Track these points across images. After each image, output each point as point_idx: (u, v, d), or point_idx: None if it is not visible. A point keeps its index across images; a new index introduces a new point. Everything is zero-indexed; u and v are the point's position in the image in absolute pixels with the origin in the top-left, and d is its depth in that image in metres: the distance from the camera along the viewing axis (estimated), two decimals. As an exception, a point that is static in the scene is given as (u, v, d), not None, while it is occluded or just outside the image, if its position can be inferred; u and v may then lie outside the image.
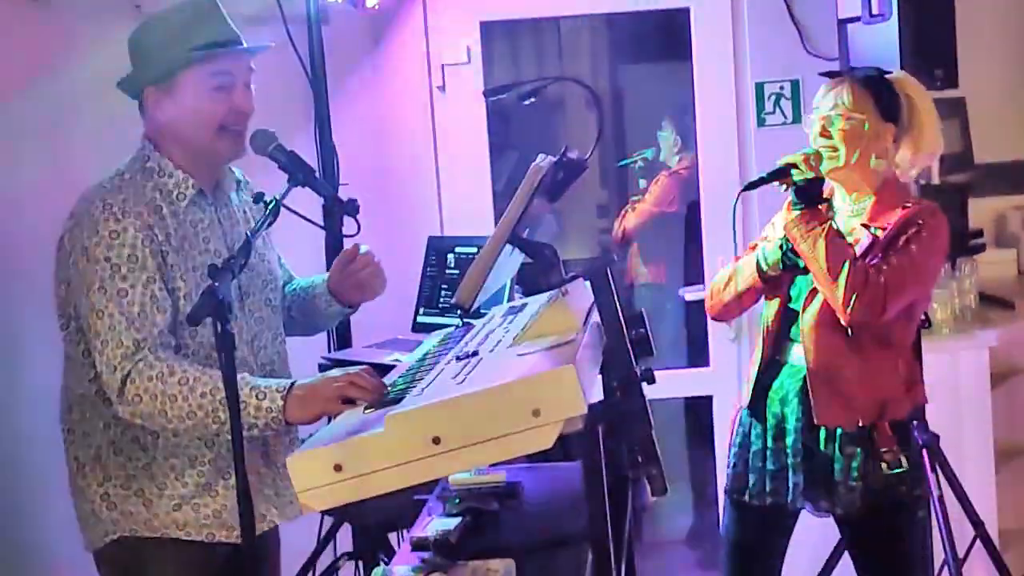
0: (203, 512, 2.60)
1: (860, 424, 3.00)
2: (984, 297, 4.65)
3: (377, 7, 4.10)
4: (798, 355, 3.08)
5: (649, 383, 2.12)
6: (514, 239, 2.11)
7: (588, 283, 2.10)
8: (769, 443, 3.13)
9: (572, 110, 5.88)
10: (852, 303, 2.90)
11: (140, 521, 2.58)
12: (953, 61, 3.83)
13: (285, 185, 2.45)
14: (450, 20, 4.42)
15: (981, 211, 4.90)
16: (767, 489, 3.12)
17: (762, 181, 3.06)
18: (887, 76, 3.09)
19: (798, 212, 2.98)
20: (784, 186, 3.02)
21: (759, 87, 4.39)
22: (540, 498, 2.71)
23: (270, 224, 2.38)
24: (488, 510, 2.60)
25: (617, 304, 2.11)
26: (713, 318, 3.39)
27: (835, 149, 3.02)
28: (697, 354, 4.92)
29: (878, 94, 3.04)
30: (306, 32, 4.00)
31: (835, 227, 2.98)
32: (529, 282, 2.93)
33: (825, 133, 3.04)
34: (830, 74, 3.16)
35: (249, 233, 2.32)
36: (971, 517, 3.77)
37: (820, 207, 3.00)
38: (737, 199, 3.12)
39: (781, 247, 3.05)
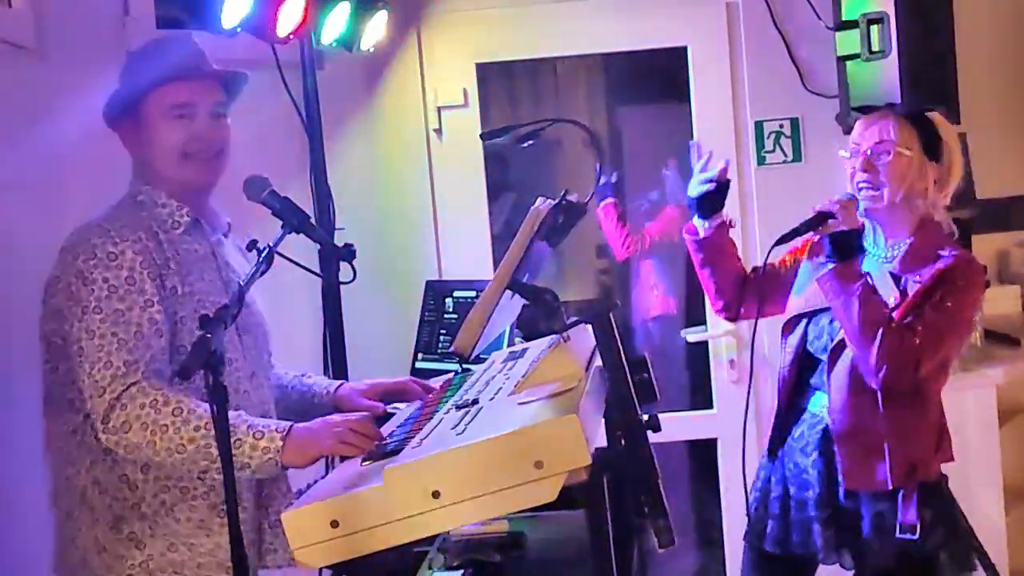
0: (198, 551, 2.51)
1: (890, 488, 2.90)
2: (989, 334, 4.60)
3: (372, 50, 4.08)
4: (820, 404, 3.01)
5: (655, 431, 2.07)
6: (514, 284, 2.06)
7: (591, 329, 2.05)
8: (792, 491, 3.06)
9: (569, 151, 5.86)
10: (884, 369, 2.79)
11: (135, 565, 2.48)
12: (954, 97, 3.81)
13: (279, 232, 2.41)
14: (446, 62, 4.40)
15: (983, 247, 4.85)
16: (789, 539, 3.05)
17: (796, 233, 2.92)
18: (927, 113, 2.98)
19: (831, 265, 2.87)
20: (818, 236, 2.92)
21: (759, 125, 4.36)
22: (543, 548, 2.67)
23: (263, 272, 2.33)
24: (491, 562, 2.55)
25: (620, 349, 2.06)
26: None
27: (877, 188, 2.90)
28: (700, 397, 4.86)
29: (923, 130, 2.92)
30: (301, 77, 3.97)
31: (870, 284, 2.85)
32: (529, 326, 2.88)
33: (869, 167, 2.90)
34: (868, 108, 3.06)
35: (242, 282, 2.27)
36: (981, 559, 3.71)
37: (854, 260, 2.89)
38: (768, 255, 2.97)
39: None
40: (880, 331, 2.78)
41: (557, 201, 2.15)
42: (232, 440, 2.16)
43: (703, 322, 4.55)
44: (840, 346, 2.93)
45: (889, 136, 2.90)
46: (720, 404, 4.51)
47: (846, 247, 2.88)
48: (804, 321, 3.06)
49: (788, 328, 3.11)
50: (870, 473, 2.90)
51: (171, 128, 2.54)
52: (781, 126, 4.35)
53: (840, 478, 2.95)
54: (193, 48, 2.63)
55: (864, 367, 2.83)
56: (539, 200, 2.18)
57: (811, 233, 2.93)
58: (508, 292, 2.15)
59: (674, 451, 5.28)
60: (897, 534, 2.89)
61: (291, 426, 2.36)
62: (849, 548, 2.98)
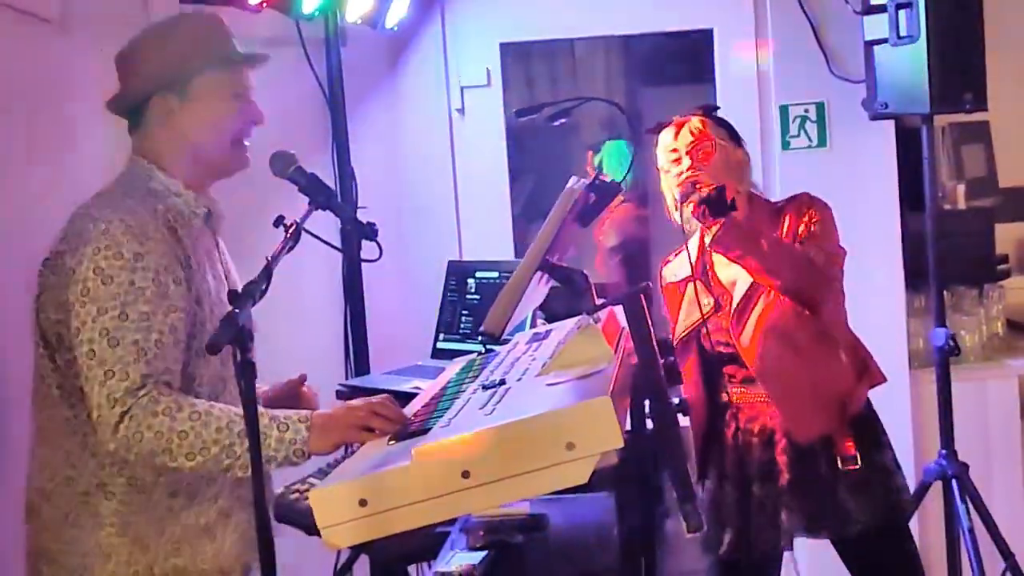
0: (202, 556, 2.44)
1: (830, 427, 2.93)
2: (1011, 324, 4.57)
3: (396, 29, 4.05)
4: (738, 390, 3.01)
5: (684, 414, 2.05)
6: (545, 265, 2.04)
7: (623, 309, 2.03)
8: (735, 493, 3.02)
9: (587, 135, 5.83)
10: (818, 286, 2.89)
11: (140, 570, 2.39)
12: (982, 83, 3.76)
13: (306, 208, 2.37)
14: (470, 42, 4.37)
15: (1006, 236, 4.83)
16: (751, 540, 3.00)
17: (687, 198, 2.95)
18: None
19: (719, 224, 2.87)
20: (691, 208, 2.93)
21: (783, 110, 4.33)
22: (565, 531, 2.65)
23: (291, 249, 2.29)
24: (513, 544, 2.53)
25: (651, 332, 2.04)
26: None
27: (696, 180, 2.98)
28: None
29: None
30: (324, 54, 3.95)
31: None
32: (552, 309, 2.86)
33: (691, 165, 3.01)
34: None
35: (270, 257, 2.23)
36: (1001, 549, 3.69)
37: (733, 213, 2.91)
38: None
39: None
40: (798, 255, 2.89)
41: (591, 181, 2.13)
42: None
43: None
44: (742, 307, 2.96)
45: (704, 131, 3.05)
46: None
47: (721, 202, 2.89)
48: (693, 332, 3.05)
49: (682, 349, 3.07)
50: (812, 420, 2.92)
51: (229, 107, 2.46)
52: (806, 111, 4.32)
53: (778, 454, 2.95)
54: (228, 29, 2.54)
55: (809, 295, 2.90)
56: (572, 179, 2.15)
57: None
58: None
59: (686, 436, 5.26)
60: (840, 467, 2.91)
61: (310, 414, 2.32)
62: (819, 521, 2.96)
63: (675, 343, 3.04)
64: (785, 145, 4.33)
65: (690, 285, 3.03)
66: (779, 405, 2.95)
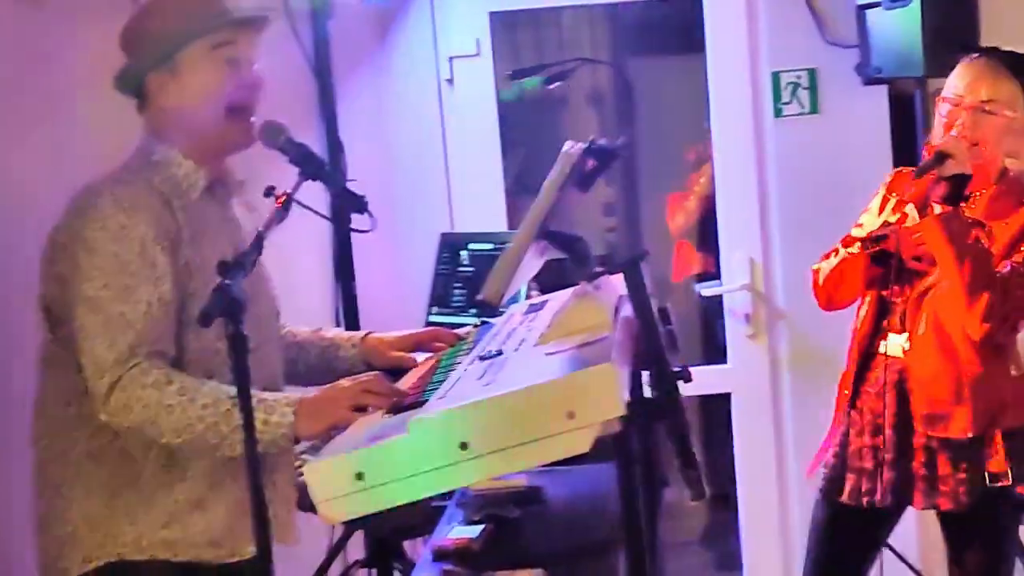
0: (192, 530, 2.41)
1: (970, 436, 2.88)
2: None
3: (383, -1, 4.01)
4: (895, 345, 2.97)
5: (686, 382, 2.02)
6: (545, 232, 2.00)
7: (623, 277, 1.99)
8: (866, 440, 3.02)
9: (574, 109, 5.80)
10: (988, 325, 2.78)
11: (128, 542, 2.37)
12: (976, 46, 3.72)
13: (296, 179, 2.34)
14: (458, 11, 4.32)
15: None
16: (863, 489, 3.01)
17: (924, 171, 2.85)
18: None
19: (940, 210, 2.80)
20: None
21: (776, 77, 4.28)
22: (562, 502, 2.64)
23: (281, 220, 2.26)
24: (510, 517, 2.51)
25: (650, 300, 2.01)
26: (825, 308, 3.18)
27: (975, 144, 2.85)
28: (713, 350, 4.82)
29: None
30: (310, 26, 3.90)
31: (980, 238, 2.82)
32: (547, 279, 2.83)
33: (974, 125, 2.86)
34: (971, 48, 2.99)
35: (261, 228, 2.19)
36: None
37: (962, 206, 2.83)
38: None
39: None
40: (989, 289, 2.76)
41: (587, 145, 2.09)
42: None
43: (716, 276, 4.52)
44: (924, 293, 2.90)
45: (997, 95, 2.86)
46: (734, 358, 4.45)
47: (960, 192, 2.83)
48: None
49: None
50: (950, 420, 2.89)
51: (218, 74, 2.41)
52: (799, 77, 4.27)
53: (917, 425, 2.93)
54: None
55: (967, 319, 2.81)
56: (568, 143, 2.11)
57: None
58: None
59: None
60: (987, 483, 2.87)
61: (299, 398, 2.28)
62: (923, 488, 2.94)
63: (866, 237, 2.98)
64: (777, 112, 4.29)
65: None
66: (920, 400, 2.92)
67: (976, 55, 2.96)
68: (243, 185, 2.61)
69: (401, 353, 2.67)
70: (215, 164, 2.50)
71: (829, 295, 3.08)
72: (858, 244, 2.98)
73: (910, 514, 3.10)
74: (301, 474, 2.30)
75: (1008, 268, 2.81)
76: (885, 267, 2.99)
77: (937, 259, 2.83)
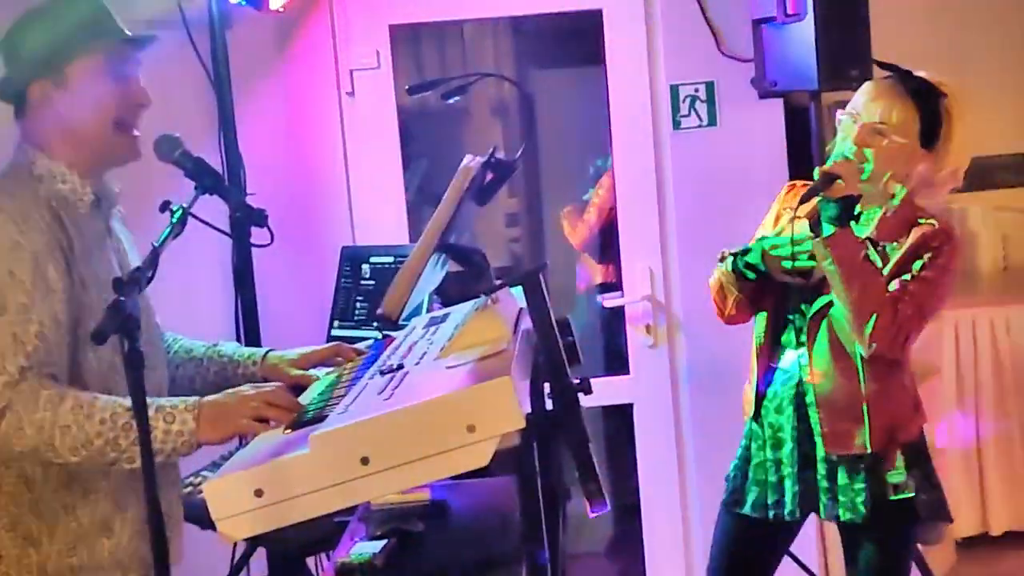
0: (98, 553, 2.37)
1: (869, 451, 2.92)
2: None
3: (282, 10, 3.97)
4: (790, 360, 3.01)
5: (586, 393, 2.03)
6: (443, 245, 2.00)
7: (521, 290, 2.00)
8: (768, 454, 3.05)
9: (477, 120, 5.80)
10: (877, 343, 2.82)
11: (30, 565, 2.32)
12: (868, 60, 3.81)
13: (192, 193, 2.31)
14: (358, 24, 4.30)
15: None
16: (768, 502, 3.05)
17: (813, 193, 2.89)
18: (941, 90, 2.93)
19: (830, 231, 2.82)
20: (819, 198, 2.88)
21: (674, 89, 4.33)
22: (466, 516, 2.63)
23: (177, 235, 2.23)
24: (414, 531, 2.50)
25: (551, 312, 2.02)
26: (724, 322, 3.18)
27: (860, 163, 2.87)
28: (615, 361, 4.85)
29: (925, 116, 2.90)
30: (208, 36, 3.86)
31: (871, 256, 2.86)
32: (449, 292, 2.83)
33: (861, 143, 2.88)
34: (885, 66, 3.00)
35: (155, 243, 2.16)
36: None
37: (850, 227, 2.86)
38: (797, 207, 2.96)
39: (735, 263, 2.98)
40: (878, 309, 2.80)
41: (486, 158, 2.09)
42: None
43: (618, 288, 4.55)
44: (822, 311, 2.94)
45: (890, 119, 2.88)
46: (636, 369, 4.49)
47: (849, 213, 2.87)
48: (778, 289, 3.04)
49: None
50: (850, 437, 2.92)
51: (108, 89, 2.38)
52: (696, 90, 4.33)
53: (817, 440, 2.96)
54: (111, 12, 2.45)
55: (857, 335, 2.84)
56: (467, 157, 2.12)
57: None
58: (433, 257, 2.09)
59: (587, 418, 5.25)
60: (888, 495, 2.92)
61: (199, 402, 2.24)
62: (824, 499, 2.97)
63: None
64: (676, 124, 4.34)
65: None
66: (822, 418, 2.95)
67: (887, 76, 2.98)
68: (119, 196, 2.56)
69: (301, 372, 2.64)
70: (98, 178, 2.46)
71: (719, 308, 3.13)
72: (729, 259, 3.03)
73: (811, 521, 3.14)
74: (200, 492, 2.28)
75: (898, 287, 2.86)
76: (760, 283, 3.02)
77: (828, 279, 2.87)
